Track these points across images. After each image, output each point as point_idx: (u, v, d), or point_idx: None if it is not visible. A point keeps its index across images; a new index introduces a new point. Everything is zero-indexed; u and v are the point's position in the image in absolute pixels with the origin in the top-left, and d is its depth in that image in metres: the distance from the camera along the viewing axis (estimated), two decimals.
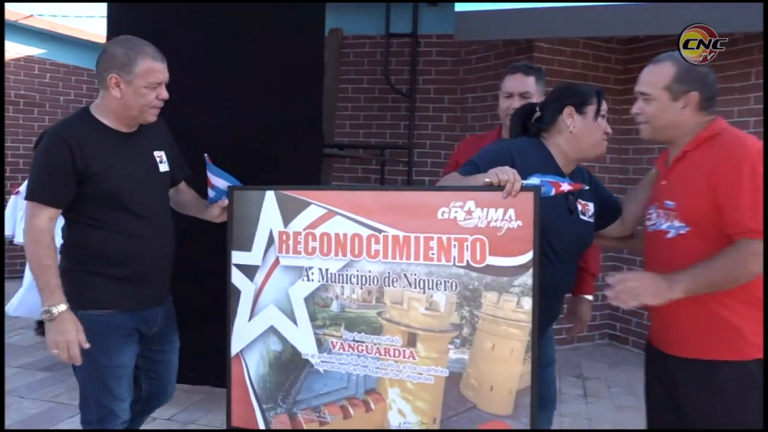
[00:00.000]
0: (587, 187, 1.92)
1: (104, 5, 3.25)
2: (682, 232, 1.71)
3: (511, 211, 1.72)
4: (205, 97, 3.02)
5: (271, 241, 2.00)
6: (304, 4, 3.14)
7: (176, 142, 2.27)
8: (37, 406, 3.37)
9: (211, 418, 3.25)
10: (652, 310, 1.85)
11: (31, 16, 6.73)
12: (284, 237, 1.98)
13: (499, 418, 1.78)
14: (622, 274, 1.68)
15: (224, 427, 3.13)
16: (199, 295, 2.85)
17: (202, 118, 2.95)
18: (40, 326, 4.82)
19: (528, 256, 1.71)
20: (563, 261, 1.92)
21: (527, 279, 1.72)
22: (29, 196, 1.93)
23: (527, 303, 1.73)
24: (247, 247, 2.04)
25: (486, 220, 1.75)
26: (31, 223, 1.91)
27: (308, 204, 1.95)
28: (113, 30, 3.21)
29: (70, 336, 1.90)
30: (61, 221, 2.01)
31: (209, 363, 3.05)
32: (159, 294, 2.13)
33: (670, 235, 1.74)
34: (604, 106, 1.98)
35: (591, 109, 1.95)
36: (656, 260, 1.80)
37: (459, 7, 4.05)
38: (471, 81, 5.04)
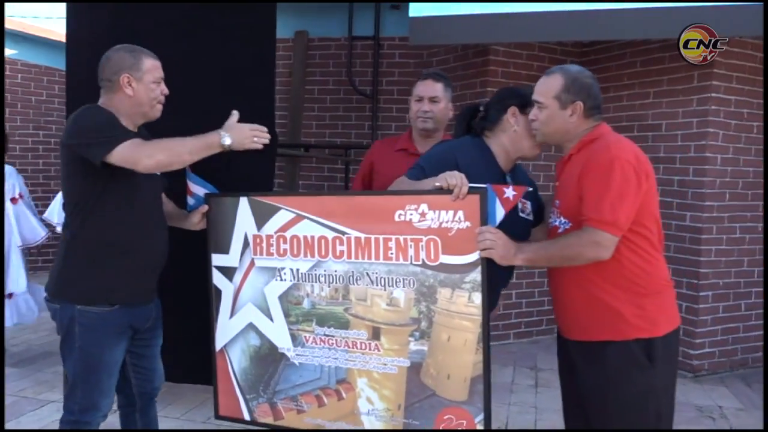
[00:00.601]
0: (531, 189, 2.04)
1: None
2: (567, 227, 1.87)
3: (460, 213, 1.87)
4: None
5: (246, 243, 2.16)
6: (256, 6, 3.20)
7: None
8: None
9: (171, 410, 3.35)
10: (553, 302, 2.00)
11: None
12: (258, 240, 2.14)
13: (457, 404, 1.95)
14: (488, 228, 1.83)
15: (182, 418, 3.27)
16: (183, 295, 2.97)
17: (155, 121, 3.02)
18: None
19: (476, 255, 1.86)
20: None
21: (476, 276, 1.87)
22: (112, 145, 1.93)
23: (477, 298, 1.88)
24: (225, 250, 2.20)
25: (438, 222, 1.90)
26: (140, 152, 1.94)
27: (279, 209, 2.11)
28: (71, 30, 3.30)
29: (245, 125, 2.04)
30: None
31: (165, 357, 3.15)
32: (152, 290, 2.23)
33: (560, 230, 1.90)
34: None
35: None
36: None
37: (413, 12, 4.17)
38: None
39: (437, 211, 1.89)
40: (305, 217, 2.07)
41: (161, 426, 3.09)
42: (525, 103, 2.05)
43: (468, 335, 1.91)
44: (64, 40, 7.23)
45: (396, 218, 1.93)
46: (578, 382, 1.93)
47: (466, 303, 1.90)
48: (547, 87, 1.90)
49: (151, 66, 2.14)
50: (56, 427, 3.06)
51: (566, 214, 1.87)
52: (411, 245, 1.93)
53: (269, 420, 2.22)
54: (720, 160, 4.14)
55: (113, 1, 3.21)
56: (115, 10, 3.17)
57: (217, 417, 2.31)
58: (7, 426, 3.13)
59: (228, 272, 2.21)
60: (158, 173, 2.20)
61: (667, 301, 1.88)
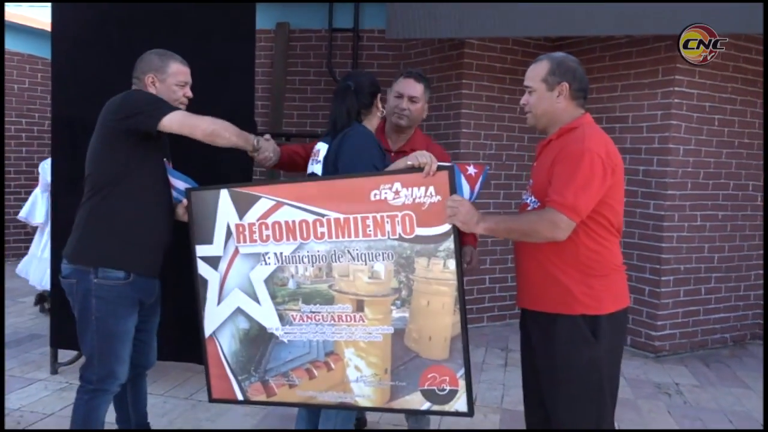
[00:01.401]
0: (488, 167, 2.19)
1: None
2: (535, 206, 2.01)
3: (431, 188, 2.02)
4: None
5: (229, 233, 2.24)
6: (237, 2, 3.31)
7: None
8: None
9: (155, 387, 3.48)
10: (516, 274, 2.16)
11: None
12: (241, 229, 2.23)
13: (439, 363, 2.10)
14: (454, 197, 1.99)
15: (166, 395, 3.41)
16: (174, 277, 3.10)
17: None
18: (40, 300, 5.00)
19: (448, 225, 2.02)
20: None
21: (449, 244, 2.03)
22: (166, 114, 2.19)
23: (452, 264, 2.04)
24: (208, 240, 2.27)
25: (412, 198, 2.04)
26: (197, 120, 2.22)
27: (259, 198, 2.19)
28: (56, 21, 3.39)
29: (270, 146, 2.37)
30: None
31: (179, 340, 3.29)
32: (159, 265, 2.40)
33: (529, 208, 2.04)
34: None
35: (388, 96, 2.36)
36: None
37: (390, 7, 4.30)
38: None
39: (410, 188, 2.03)
40: (285, 204, 2.17)
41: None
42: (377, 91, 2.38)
43: (445, 299, 2.07)
44: (46, 28, 7.28)
45: (372, 198, 2.06)
46: (534, 350, 2.08)
47: (441, 270, 2.05)
48: (535, 72, 2.04)
49: (176, 70, 2.35)
50: (43, 403, 3.21)
51: (537, 194, 2.00)
52: (387, 221, 2.06)
53: (262, 398, 2.31)
54: (682, 151, 4.33)
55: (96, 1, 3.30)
56: (99, 4, 3.27)
57: (211, 400, 2.39)
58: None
59: (212, 261, 2.28)
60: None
61: (616, 283, 2.01)
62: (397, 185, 2.04)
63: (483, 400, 3.51)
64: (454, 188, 2.00)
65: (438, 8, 4.22)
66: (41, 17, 7.06)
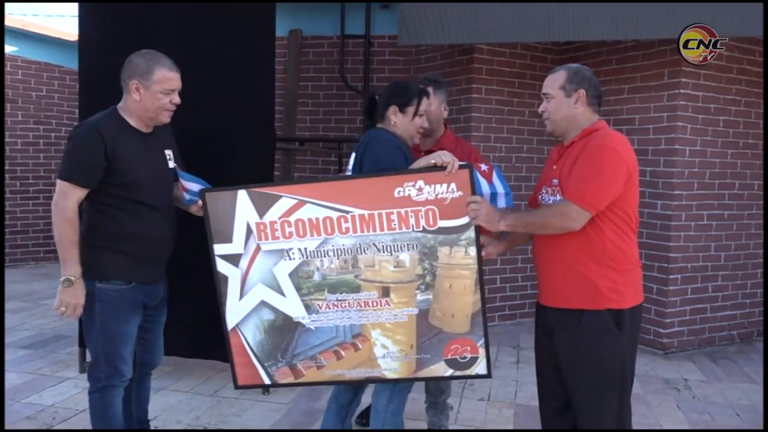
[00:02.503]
0: (497, 166, 2.33)
1: (74, 5, 3.55)
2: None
3: (453, 185, 2.16)
4: None
5: (249, 231, 2.31)
6: (256, 6, 3.40)
7: None
8: (21, 378, 3.70)
9: (180, 385, 3.62)
10: (536, 270, 2.28)
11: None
12: (261, 227, 2.29)
13: (461, 335, 2.28)
14: (474, 198, 2.13)
15: (191, 392, 3.54)
16: (192, 277, 3.21)
17: None
18: None
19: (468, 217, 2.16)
20: None
21: (471, 233, 2.19)
22: (65, 178, 2.22)
23: (472, 251, 2.20)
24: (227, 239, 2.33)
25: (434, 194, 2.18)
26: (64, 203, 2.21)
27: (279, 197, 2.27)
28: (83, 31, 3.52)
29: (81, 300, 2.28)
30: None
31: (175, 334, 3.41)
32: (161, 272, 2.49)
33: None
34: (424, 106, 2.48)
35: (411, 110, 2.45)
36: None
37: (402, 14, 4.42)
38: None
39: (433, 185, 2.17)
40: (308, 202, 2.25)
41: (168, 400, 3.37)
42: (404, 103, 2.43)
43: (466, 281, 2.24)
44: (64, 37, 7.44)
45: (396, 195, 2.19)
46: (555, 346, 2.19)
47: (463, 256, 2.21)
48: (553, 80, 2.17)
49: (162, 77, 2.29)
50: (75, 400, 3.34)
51: (563, 192, 2.11)
52: (412, 215, 2.20)
53: (290, 380, 2.41)
54: (688, 152, 4.43)
55: (122, 1, 3.42)
56: (125, 13, 3.40)
57: (237, 387, 2.47)
58: (31, 399, 3.38)
59: (233, 259, 2.34)
60: (173, 163, 2.45)
61: (635, 278, 2.14)
62: (420, 183, 2.18)
63: (497, 395, 3.63)
64: (474, 184, 2.15)
65: (448, 14, 4.33)
66: (59, 27, 7.23)
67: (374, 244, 2.23)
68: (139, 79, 2.28)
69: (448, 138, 2.87)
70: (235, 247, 2.33)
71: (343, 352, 2.35)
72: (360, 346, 2.33)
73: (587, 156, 2.04)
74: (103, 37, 3.45)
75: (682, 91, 4.36)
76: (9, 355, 4.12)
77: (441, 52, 5.18)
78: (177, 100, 2.36)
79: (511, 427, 3.22)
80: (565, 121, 2.16)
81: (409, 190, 2.19)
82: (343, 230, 2.24)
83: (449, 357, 2.29)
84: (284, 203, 2.26)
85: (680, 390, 3.78)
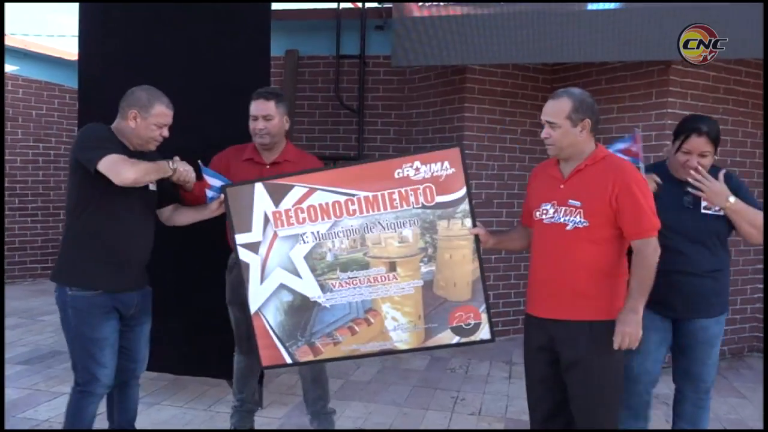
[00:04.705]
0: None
1: (74, 26, 3.66)
2: (580, 225, 2.26)
3: (446, 163, 2.47)
4: None
5: (267, 220, 2.57)
6: (253, 28, 3.50)
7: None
8: (18, 393, 3.82)
9: (175, 400, 3.68)
10: (533, 286, 2.43)
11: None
12: (278, 215, 2.56)
13: (464, 303, 2.54)
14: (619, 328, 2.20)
15: (185, 407, 3.58)
16: (186, 296, 3.32)
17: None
18: None
19: (463, 191, 2.48)
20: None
21: (465, 206, 2.49)
22: (102, 155, 2.38)
23: (468, 222, 2.49)
24: (247, 228, 2.58)
25: (430, 172, 2.47)
26: (124, 175, 2.37)
27: (292, 186, 2.55)
28: (83, 51, 3.63)
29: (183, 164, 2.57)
30: None
31: (167, 351, 3.47)
32: (135, 282, 2.66)
33: (569, 227, 2.28)
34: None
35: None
36: (552, 246, 2.34)
37: (395, 37, 4.56)
38: (415, 98, 5.58)
39: (428, 164, 2.47)
40: (318, 189, 2.53)
41: (162, 414, 3.42)
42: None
43: (465, 251, 2.51)
44: (64, 57, 7.58)
45: (396, 176, 2.48)
46: (560, 356, 2.33)
47: (460, 227, 2.49)
48: (559, 108, 2.28)
49: (160, 112, 2.58)
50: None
51: (588, 215, 2.26)
52: (411, 194, 2.48)
53: (309, 358, 2.63)
54: None
55: None
56: (125, 34, 3.50)
57: (263, 368, 2.72)
58: (26, 414, 3.44)
59: (253, 247, 2.58)
60: (154, 188, 2.66)
61: (625, 288, 2.32)
62: (417, 163, 2.48)
63: (487, 410, 3.74)
64: (465, 163, 2.47)
65: (440, 36, 4.44)
66: (59, 46, 7.37)
67: (379, 222, 2.51)
68: (139, 109, 2.56)
69: (292, 150, 3.00)
70: (254, 235, 2.58)
71: (357, 328, 2.58)
72: (372, 320, 2.57)
73: (632, 188, 2.23)
74: (103, 58, 3.56)
75: (669, 110, 4.49)
76: (6, 371, 4.17)
77: (434, 71, 5.33)
78: (166, 134, 2.64)
79: None
80: (571, 148, 2.31)
81: (408, 170, 2.47)
82: (351, 212, 2.51)
83: (454, 324, 2.55)
84: (297, 192, 2.54)
85: (669, 404, 3.81)
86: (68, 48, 7.44)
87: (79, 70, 3.67)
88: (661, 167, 2.64)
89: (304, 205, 2.52)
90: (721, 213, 2.49)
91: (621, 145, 2.58)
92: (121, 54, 3.53)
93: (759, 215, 2.46)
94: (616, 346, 2.19)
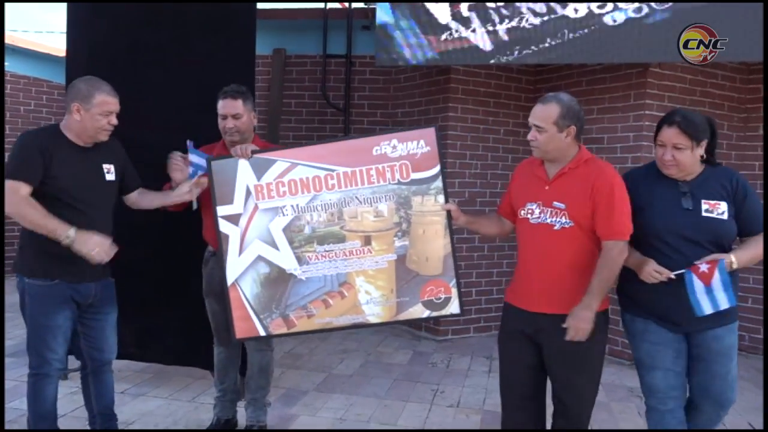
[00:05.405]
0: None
1: (63, 21, 3.72)
2: (566, 226, 2.37)
3: (422, 141, 2.61)
4: (153, 112, 3.42)
5: (248, 193, 2.67)
6: (238, 29, 3.58)
7: (128, 150, 2.90)
8: (6, 384, 3.79)
9: (159, 391, 3.75)
10: (521, 281, 2.51)
11: None
12: (259, 188, 2.67)
13: (435, 277, 2.65)
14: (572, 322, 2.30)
15: (170, 398, 3.65)
16: (169, 287, 3.36)
17: (149, 130, 3.34)
18: None
19: (437, 169, 2.61)
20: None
21: (438, 183, 2.62)
22: (12, 176, 2.51)
23: (441, 199, 2.62)
24: (229, 201, 2.68)
25: (407, 150, 2.61)
26: (18, 197, 2.47)
27: (275, 161, 2.68)
28: (71, 47, 3.72)
29: (95, 238, 2.53)
30: None
31: (156, 342, 3.54)
32: (92, 273, 2.69)
33: (556, 228, 2.39)
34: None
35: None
36: (541, 245, 2.43)
37: (378, 37, 4.65)
38: (400, 97, 5.68)
39: (405, 143, 2.62)
40: (299, 164, 2.65)
41: (148, 405, 3.49)
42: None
43: (437, 227, 2.64)
44: (52, 53, 7.61)
45: (374, 153, 2.62)
46: (545, 345, 2.43)
47: (433, 203, 2.62)
48: (547, 114, 2.36)
49: (101, 101, 2.62)
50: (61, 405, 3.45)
51: (573, 216, 2.36)
52: (388, 170, 2.61)
53: (283, 330, 2.71)
54: None
55: None
56: (112, 31, 3.57)
57: (235, 340, 2.78)
58: (13, 404, 3.51)
59: (233, 219, 2.67)
60: (112, 177, 2.75)
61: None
62: (395, 141, 2.62)
63: (466, 402, 3.84)
64: (439, 142, 2.61)
65: (423, 38, 4.53)
66: (47, 42, 7.40)
67: (356, 197, 2.63)
68: (81, 102, 2.60)
69: (260, 144, 3.02)
70: (235, 207, 2.68)
71: (331, 301, 2.68)
72: (346, 293, 2.67)
73: (611, 191, 2.32)
74: (90, 55, 3.61)
75: (647, 112, 4.61)
76: None
77: (420, 72, 5.44)
78: (114, 121, 2.68)
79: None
80: (555, 152, 2.41)
81: (385, 148, 2.61)
82: (330, 186, 2.63)
83: (426, 299, 2.65)
84: (279, 166, 2.67)
85: (642, 398, 3.93)
86: (56, 44, 7.49)
87: (66, 67, 3.73)
88: (652, 167, 2.55)
89: (285, 179, 2.63)
90: (725, 216, 2.37)
91: None
92: (107, 51, 3.60)
93: (609, 268, 2.32)
94: (567, 338, 2.29)
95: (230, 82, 3.20)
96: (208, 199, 2.77)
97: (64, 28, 3.79)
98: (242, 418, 3.29)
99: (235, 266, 2.66)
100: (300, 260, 2.65)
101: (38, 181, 2.53)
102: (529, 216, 2.45)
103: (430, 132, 2.60)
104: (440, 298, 2.64)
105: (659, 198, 2.43)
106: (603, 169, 2.40)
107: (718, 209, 2.37)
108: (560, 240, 2.38)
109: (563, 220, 2.37)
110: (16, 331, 5.07)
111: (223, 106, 2.93)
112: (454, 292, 2.64)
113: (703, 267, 2.26)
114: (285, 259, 2.65)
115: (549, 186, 2.43)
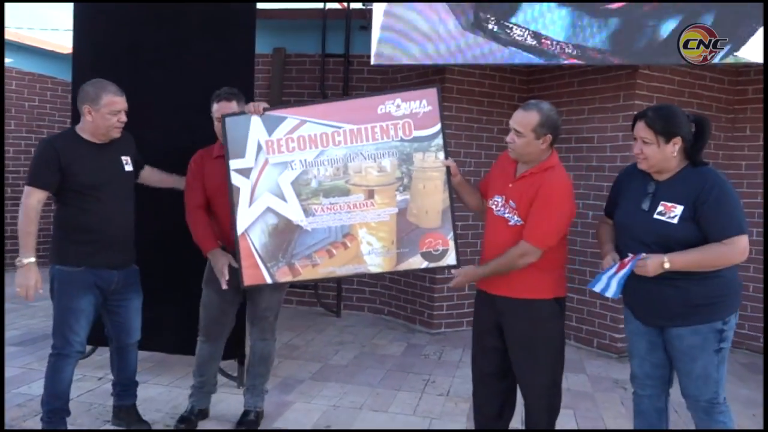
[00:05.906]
0: None
1: (68, 19, 3.89)
2: (518, 224, 2.58)
3: (424, 101, 2.79)
4: (153, 112, 3.51)
5: (260, 148, 2.84)
6: (238, 30, 3.66)
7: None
8: (11, 372, 4.03)
9: (161, 379, 3.89)
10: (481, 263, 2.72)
11: None
12: (270, 143, 2.83)
13: (433, 230, 2.81)
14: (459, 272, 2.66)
15: (170, 385, 3.79)
16: (171, 279, 3.55)
17: (149, 130, 3.39)
18: None
19: (438, 127, 2.78)
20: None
21: (439, 140, 2.79)
22: (27, 182, 2.81)
23: (441, 155, 2.79)
24: (241, 155, 2.84)
25: (410, 109, 2.78)
26: (26, 201, 2.77)
27: (285, 118, 2.84)
28: (77, 45, 3.88)
29: (31, 282, 2.76)
30: None
31: (158, 332, 3.68)
32: (116, 261, 2.94)
33: (510, 223, 2.60)
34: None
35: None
36: (498, 235, 2.63)
37: (375, 38, 4.78)
38: None
39: (408, 102, 2.78)
40: (308, 121, 2.81)
41: (149, 391, 3.63)
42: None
43: (437, 182, 2.80)
44: (57, 50, 7.76)
45: (379, 111, 2.79)
46: (506, 328, 2.63)
47: (433, 160, 2.80)
48: (527, 120, 2.52)
49: (109, 101, 2.82)
50: None
51: (522, 216, 2.56)
52: (392, 128, 2.78)
53: (288, 278, 2.86)
54: None
55: (117, 6, 3.73)
56: (117, 29, 3.72)
57: (244, 288, 2.90)
58: (20, 390, 3.65)
59: (245, 172, 2.83)
60: (130, 167, 2.98)
61: (564, 276, 2.71)
62: (398, 100, 2.79)
63: (456, 392, 3.98)
64: (441, 102, 2.78)
65: (419, 39, 4.66)
66: (53, 40, 7.53)
67: (361, 153, 2.80)
68: (90, 104, 2.82)
69: None
70: (247, 161, 2.84)
71: (334, 251, 2.84)
72: (349, 244, 2.83)
73: (546, 200, 2.49)
74: (95, 51, 3.76)
75: (635, 112, 4.67)
76: None
77: (416, 71, 5.55)
78: (123, 118, 2.89)
79: (464, 419, 3.50)
80: (529, 156, 2.59)
81: (390, 107, 2.78)
82: (336, 143, 2.80)
83: (424, 250, 2.81)
84: (289, 123, 2.84)
85: (627, 389, 4.07)
86: (62, 41, 7.63)
87: (72, 65, 3.87)
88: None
89: (295, 135, 2.79)
90: (675, 221, 2.33)
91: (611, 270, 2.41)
92: (111, 49, 3.74)
93: (716, 252, 2.27)
94: (451, 284, 2.68)
95: (230, 82, 3.31)
96: (219, 200, 2.95)
97: (69, 26, 3.93)
98: (240, 403, 3.44)
99: (245, 217, 2.82)
100: (306, 212, 2.80)
101: (53, 186, 2.78)
102: (493, 207, 2.66)
103: (432, 92, 2.77)
104: (438, 250, 2.79)
105: (628, 197, 2.52)
106: (554, 178, 2.54)
107: (672, 212, 2.34)
108: (513, 235, 2.55)
109: (516, 217, 2.57)
110: (23, 321, 5.21)
111: (218, 108, 3.02)
112: (451, 244, 2.78)
113: (627, 259, 2.32)
114: (292, 210, 2.80)
115: (512, 184, 2.62)
